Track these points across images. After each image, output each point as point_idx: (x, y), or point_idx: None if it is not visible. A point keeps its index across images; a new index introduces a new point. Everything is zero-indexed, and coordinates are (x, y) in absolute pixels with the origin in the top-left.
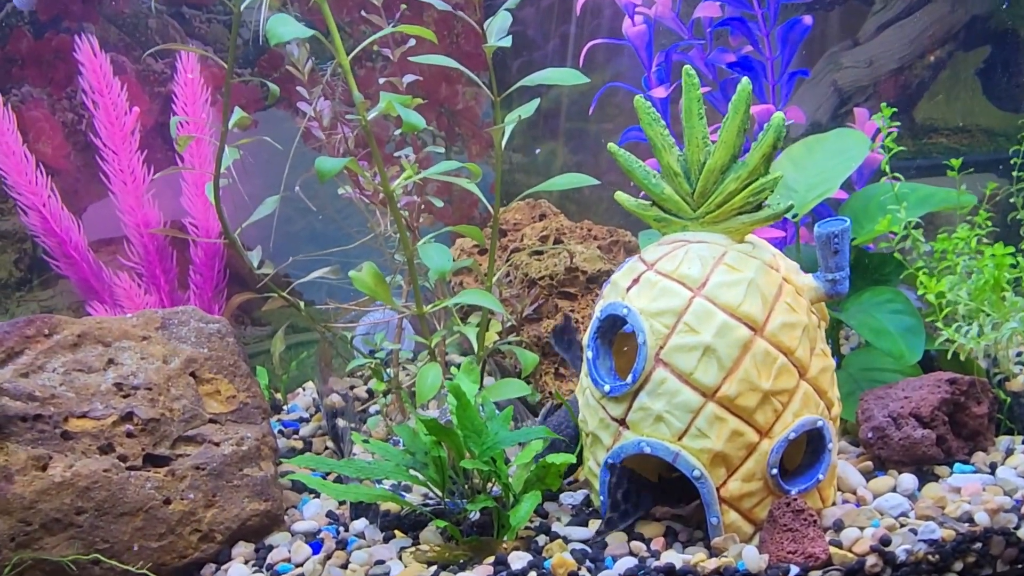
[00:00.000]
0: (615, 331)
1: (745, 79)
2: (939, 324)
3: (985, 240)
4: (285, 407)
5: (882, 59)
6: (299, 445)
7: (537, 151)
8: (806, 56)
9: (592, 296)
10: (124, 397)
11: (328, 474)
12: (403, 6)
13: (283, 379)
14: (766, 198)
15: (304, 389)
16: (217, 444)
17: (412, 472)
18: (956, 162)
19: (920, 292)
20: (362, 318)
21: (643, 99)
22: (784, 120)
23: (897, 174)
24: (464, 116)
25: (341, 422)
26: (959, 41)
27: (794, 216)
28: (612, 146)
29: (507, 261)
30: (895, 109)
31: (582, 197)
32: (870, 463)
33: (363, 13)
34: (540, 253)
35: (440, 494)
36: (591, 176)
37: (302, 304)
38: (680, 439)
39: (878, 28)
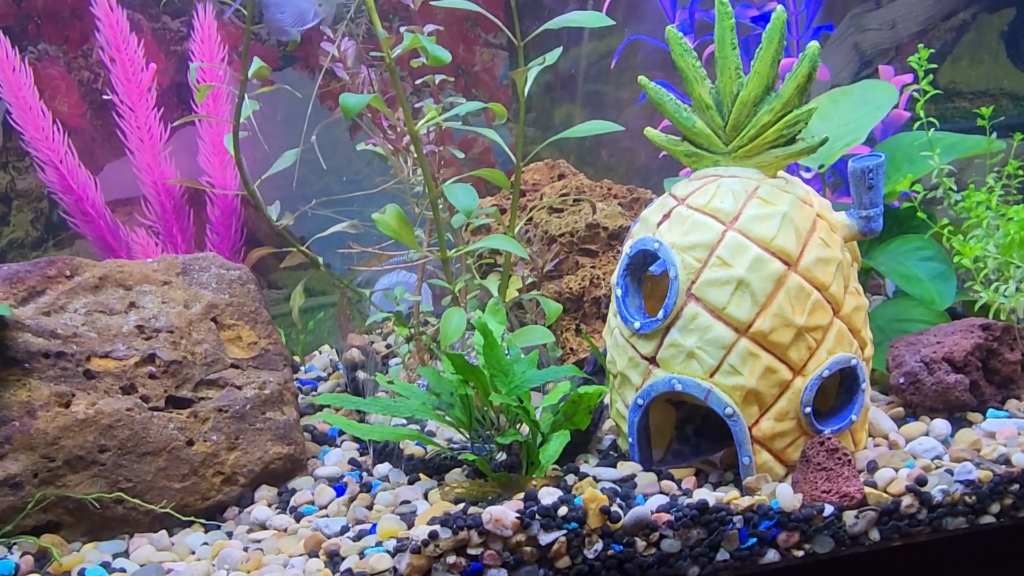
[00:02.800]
0: (645, 267)
1: (780, 7)
2: (977, 287)
3: (1014, 191)
4: (303, 367)
5: (905, 21)
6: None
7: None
8: (828, 18)
9: (614, 253)
10: (146, 339)
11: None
12: None
13: (300, 339)
14: (800, 131)
15: (320, 352)
16: (239, 388)
17: (438, 411)
18: (987, 110)
19: (956, 259)
20: (380, 278)
21: (674, 29)
22: (819, 50)
23: (933, 119)
24: (481, 78)
25: (361, 374)
26: (983, 3)
27: (820, 167)
28: (643, 79)
29: (528, 219)
30: (932, 50)
31: (600, 161)
32: (901, 409)
33: None
34: (560, 210)
35: (466, 434)
36: (612, 145)
37: (320, 260)
38: (712, 376)
39: None
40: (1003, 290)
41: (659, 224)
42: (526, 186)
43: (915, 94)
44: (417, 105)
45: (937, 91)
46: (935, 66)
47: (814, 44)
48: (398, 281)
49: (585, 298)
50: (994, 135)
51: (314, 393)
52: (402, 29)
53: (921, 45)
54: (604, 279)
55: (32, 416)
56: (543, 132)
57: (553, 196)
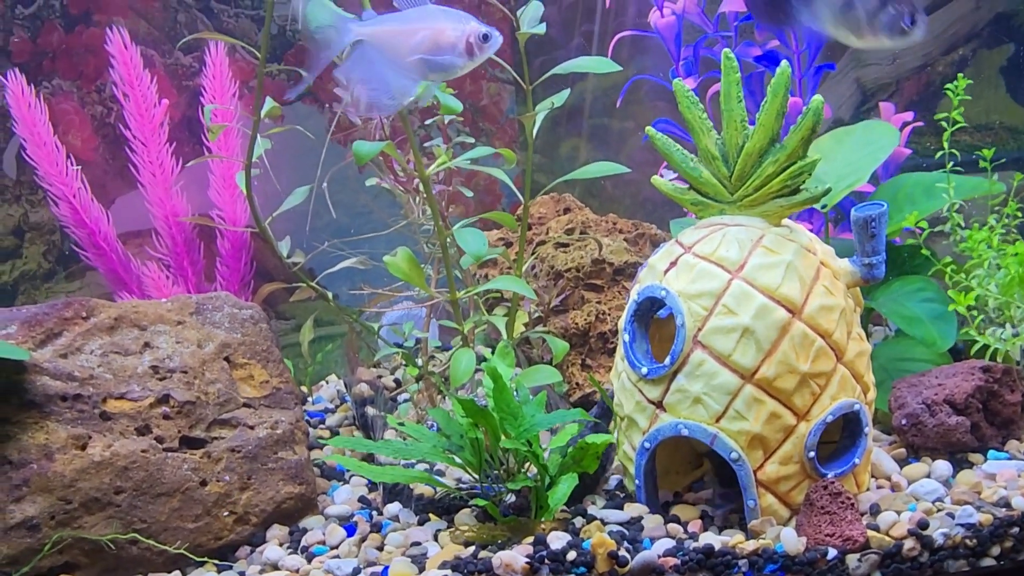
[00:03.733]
0: (652, 313)
1: (784, 62)
2: (973, 332)
3: (1013, 231)
4: (310, 398)
5: (905, 57)
6: (326, 435)
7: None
8: (829, 54)
9: (619, 288)
10: (160, 380)
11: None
12: None
13: (308, 371)
14: (804, 182)
15: (327, 382)
16: (252, 427)
17: (448, 454)
18: (988, 152)
19: (951, 307)
20: (388, 311)
21: (682, 82)
22: (823, 103)
23: (955, 151)
24: (488, 112)
25: (370, 410)
26: (982, 39)
27: (823, 207)
28: (650, 129)
29: (533, 254)
30: (970, 81)
31: (605, 193)
32: (903, 450)
33: (394, 3)
34: (566, 245)
35: (476, 476)
36: (616, 185)
37: (330, 295)
38: (718, 421)
39: None
40: (999, 334)
41: (666, 272)
42: (532, 220)
43: (943, 123)
44: (426, 144)
45: (964, 123)
46: (968, 98)
47: (818, 99)
48: (406, 315)
49: (591, 333)
50: (995, 176)
51: (322, 427)
52: None
53: (960, 75)
54: (610, 314)
55: (50, 459)
56: (550, 164)
57: (559, 230)
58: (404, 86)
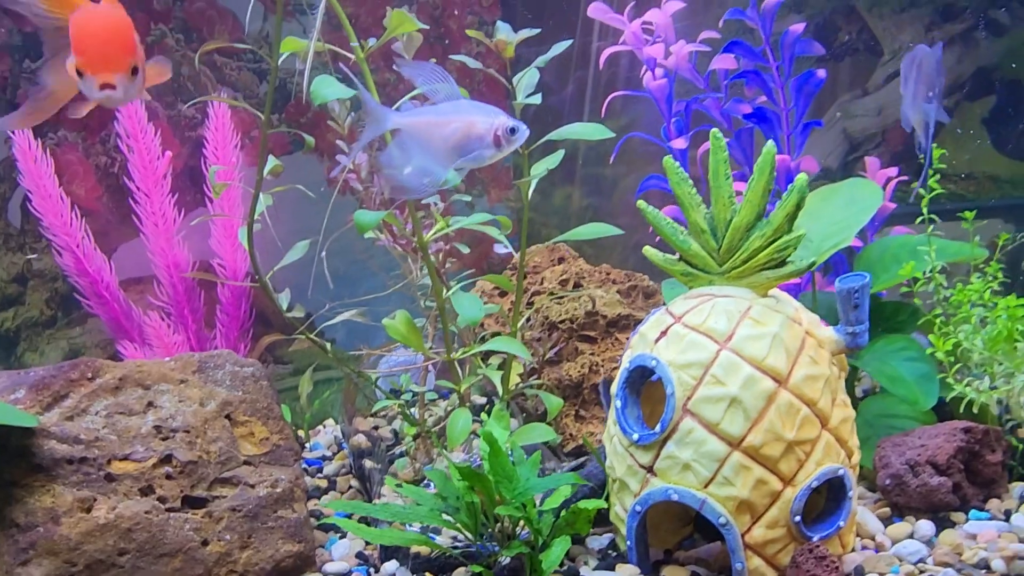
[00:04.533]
0: (643, 381)
1: (770, 143)
2: (950, 380)
3: (997, 288)
4: (307, 444)
5: (891, 108)
6: (323, 484)
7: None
8: (817, 105)
9: (612, 340)
10: (163, 440)
11: (351, 514)
12: (432, 60)
13: (306, 418)
14: (789, 255)
15: (325, 426)
16: (252, 486)
17: (445, 516)
18: (970, 214)
19: (929, 351)
20: (383, 359)
21: (672, 160)
22: (807, 181)
23: (934, 216)
24: None
25: (368, 463)
26: (965, 91)
27: (811, 265)
28: (641, 203)
29: (528, 304)
30: (944, 151)
31: (598, 239)
32: (887, 509)
33: (395, 67)
34: (560, 296)
35: (472, 537)
36: (609, 223)
37: (328, 345)
38: (707, 487)
39: (887, 78)
40: (977, 385)
41: (657, 341)
42: (527, 268)
43: (921, 191)
44: (424, 201)
45: (943, 190)
46: (943, 166)
47: (802, 177)
48: (402, 361)
49: (584, 385)
50: (977, 239)
51: (320, 475)
52: None
53: (935, 145)
54: (603, 366)
55: (56, 522)
56: (544, 210)
57: (553, 281)
58: (436, 172)
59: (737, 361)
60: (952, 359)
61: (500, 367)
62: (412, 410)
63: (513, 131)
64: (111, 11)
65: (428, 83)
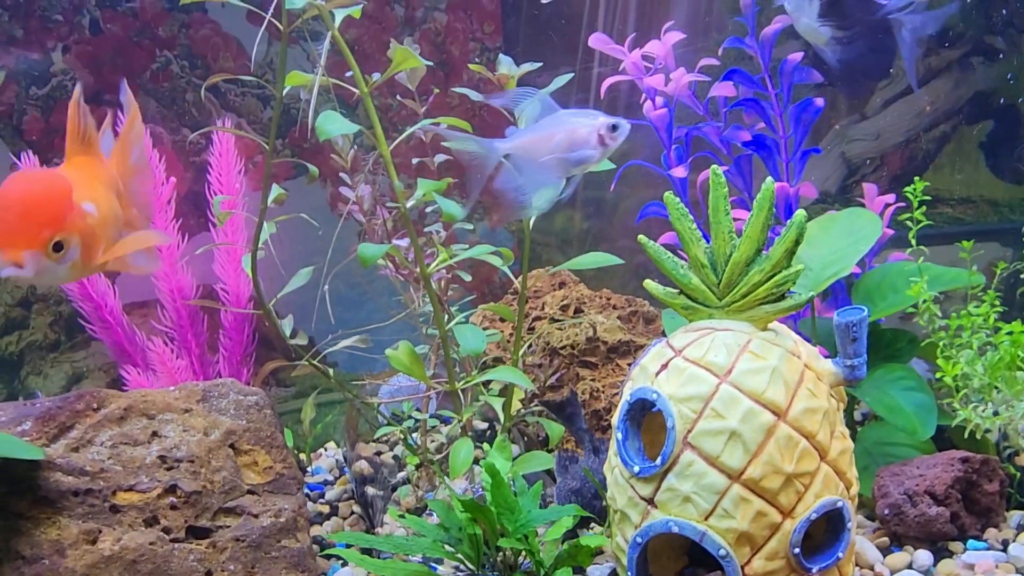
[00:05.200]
0: (644, 413)
1: (769, 179)
2: (956, 405)
3: (994, 316)
4: (309, 468)
5: (889, 133)
6: (325, 509)
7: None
8: (815, 135)
9: (612, 365)
10: (168, 470)
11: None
12: (435, 89)
13: (308, 441)
14: (788, 289)
15: (326, 450)
16: (256, 516)
17: (447, 548)
18: (968, 244)
19: (938, 375)
20: (383, 385)
21: (672, 195)
22: (805, 218)
23: (923, 247)
24: (485, 186)
25: (371, 490)
26: (963, 116)
27: (810, 295)
28: (642, 238)
29: (529, 329)
30: (927, 183)
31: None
32: (886, 538)
33: (399, 97)
34: (562, 323)
35: (474, 568)
36: (609, 246)
37: (331, 371)
38: (707, 519)
39: (885, 103)
40: (980, 410)
41: (657, 374)
42: (528, 293)
43: (908, 222)
44: (427, 229)
45: (929, 222)
46: (929, 198)
47: (801, 213)
48: (403, 387)
49: (585, 410)
50: (975, 267)
51: (322, 500)
52: (415, 161)
53: (917, 178)
54: (604, 391)
55: (61, 555)
56: (544, 233)
57: (554, 306)
58: (553, 184)
59: (737, 395)
60: (957, 384)
61: (501, 393)
62: (414, 436)
63: (615, 128)
64: (35, 179)
65: (522, 107)
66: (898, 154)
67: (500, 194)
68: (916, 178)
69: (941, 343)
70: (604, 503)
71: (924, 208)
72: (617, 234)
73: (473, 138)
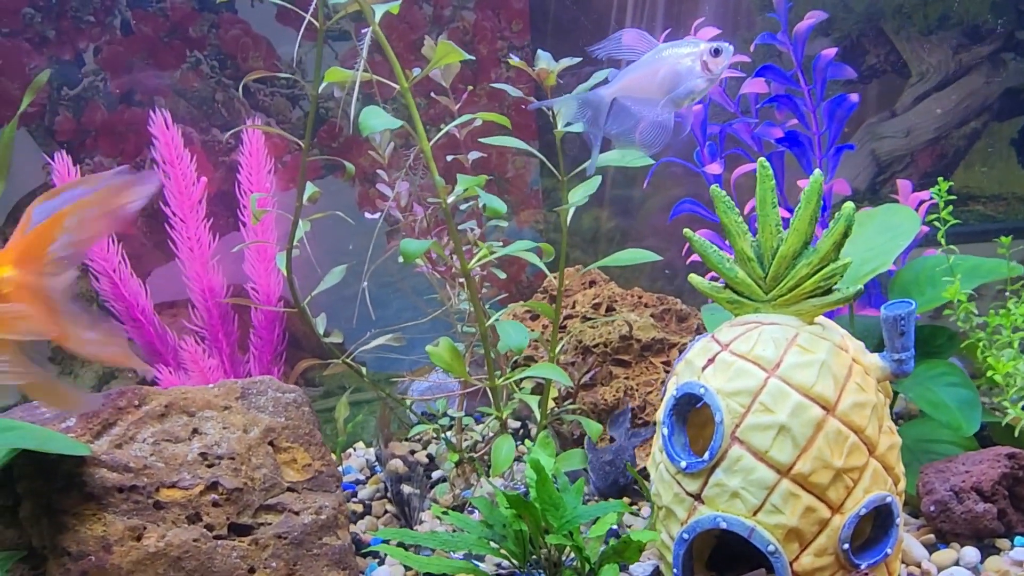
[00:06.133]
0: (690, 408)
1: (817, 172)
2: (1006, 403)
3: None
4: (340, 468)
5: (919, 130)
6: (359, 508)
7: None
8: (847, 132)
9: (646, 363)
10: (209, 467)
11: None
12: (469, 87)
13: (339, 441)
14: (836, 283)
15: (355, 450)
16: (297, 513)
17: (492, 544)
18: (1007, 240)
19: (990, 373)
20: (412, 384)
21: (718, 188)
22: (854, 210)
23: (953, 247)
24: (514, 184)
25: (407, 488)
26: (993, 112)
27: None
28: (688, 231)
29: (560, 328)
30: (951, 183)
31: None
32: (932, 536)
33: (433, 94)
34: (594, 321)
35: (518, 565)
36: (637, 245)
37: (363, 370)
38: (755, 514)
39: (915, 100)
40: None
41: (704, 368)
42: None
43: (936, 223)
44: (460, 227)
45: (957, 220)
46: (954, 198)
47: (849, 205)
48: (431, 386)
49: (619, 408)
50: (1013, 262)
51: (355, 500)
52: (449, 158)
53: (941, 179)
54: (638, 390)
55: (108, 551)
56: (572, 233)
57: (586, 304)
58: (665, 119)
59: (785, 389)
60: (1007, 383)
61: (533, 392)
62: (449, 434)
63: (717, 52)
64: None
65: (629, 52)
66: (928, 151)
67: (617, 139)
68: (940, 179)
69: (981, 344)
70: (629, 480)
71: (950, 208)
72: (645, 233)
73: (574, 96)
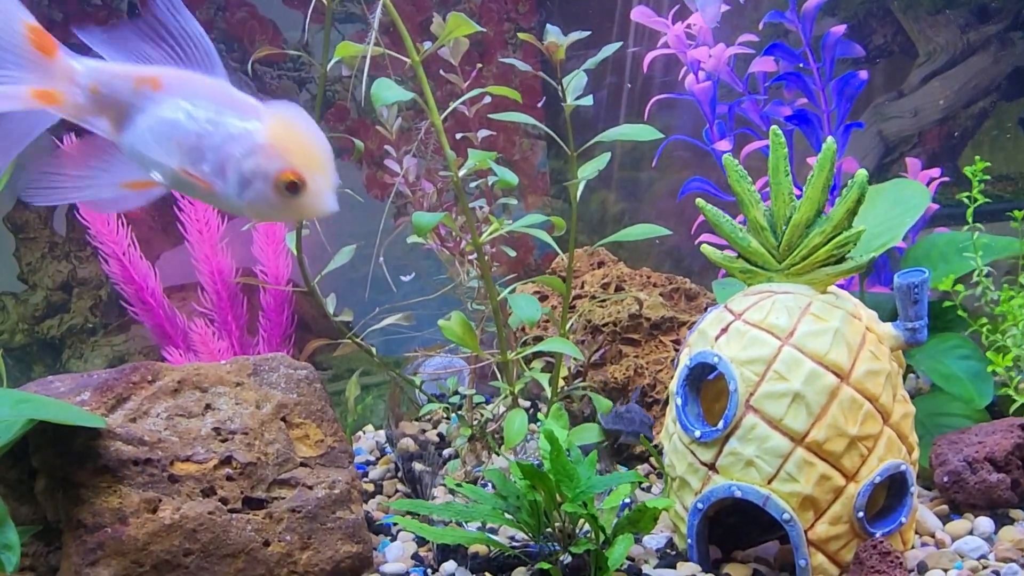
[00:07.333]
0: (703, 378)
1: (830, 139)
2: (1012, 392)
3: None
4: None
5: (926, 110)
6: (370, 488)
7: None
8: (855, 111)
9: (656, 342)
10: (223, 441)
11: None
12: (478, 65)
13: (349, 422)
14: (849, 251)
15: (364, 432)
16: (310, 487)
17: (507, 515)
18: (1019, 214)
19: (989, 368)
20: (420, 363)
21: (731, 157)
22: (867, 178)
23: (979, 224)
24: (521, 166)
25: (418, 466)
26: (1001, 92)
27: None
28: (700, 201)
29: (570, 307)
30: (988, 164)
31: (634, 243)
32: (945, 506)
33: (442, 72)
34: (603, 300)
35: (532, 536)
36: (661, 232)
37: (373, 350)
38: (770, 483)
39: (922, 80)
40: None
41: (717, 338)
42: (567, 272)
43: (965, 199)
44: (471, 205)
45: (987, 200)
46: (987, 177)
47: (862, 172)
48: (445, 363)
49: (630, 387)
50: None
51: (366, 480)
52: (458, 136)
53: (978, 158)
54: (647, 368)
55: (123, 523)
56: (580, 215)
57: (594, 284)
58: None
59: (799, 357)
60: (1012, 373)
61: (543, 370)
62: (458, 412)
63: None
64: None
65: None
66: (936, 131)
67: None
68: (977, 158)
69: (984, 329)
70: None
71: (965, 188)
72: (651, 215)
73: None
